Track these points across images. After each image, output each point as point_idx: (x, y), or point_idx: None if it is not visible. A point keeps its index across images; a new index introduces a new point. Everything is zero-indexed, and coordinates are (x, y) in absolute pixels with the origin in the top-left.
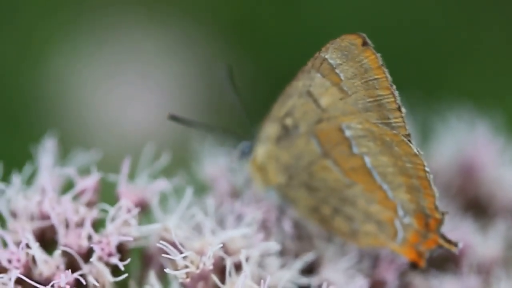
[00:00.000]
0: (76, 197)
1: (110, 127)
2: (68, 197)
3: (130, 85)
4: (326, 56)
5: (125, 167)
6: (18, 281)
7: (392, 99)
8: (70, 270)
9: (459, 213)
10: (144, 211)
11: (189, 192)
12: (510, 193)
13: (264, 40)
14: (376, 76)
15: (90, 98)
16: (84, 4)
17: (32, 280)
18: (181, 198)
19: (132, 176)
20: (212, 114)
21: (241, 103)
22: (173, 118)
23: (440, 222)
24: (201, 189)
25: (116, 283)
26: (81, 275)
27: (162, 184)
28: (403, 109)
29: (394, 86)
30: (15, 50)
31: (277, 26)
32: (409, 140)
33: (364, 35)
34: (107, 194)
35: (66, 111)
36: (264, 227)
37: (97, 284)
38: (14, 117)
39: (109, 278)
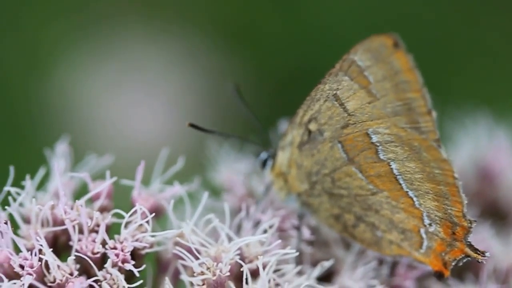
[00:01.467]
0: (90, 202)
1: (116, 136)
2: (82, 202)
3: (136, 94)
4: (355, 58)
5: (140, 172)
6: (31, 287)
7: (423, 103)
8: (84, 276)
9: (477, 219)
10: (159, 216)
11: (204, 197)
12: None
13: (266, 44)
14: (406, 79)
15: (96, 107)
16: (90, 14)
17: (45, 287)
18: (196, 203)
19: (145, 182)
20: (218, 121)
21: (254, 117)
22: (193, 126)
23: (468, 231)
24: (217, 195)
25: None
26: (95, 281)
27: (177, 189)
28: (434, 113)
29: (425, 89)
30: (20, 59)
31: (278, 30)
32: (438, 145)
33: (396, 35)
34: (120, 200)
35: (72, 119)
36: (281, 233)
37: None
38: (19, 125)
39: (123, 284)
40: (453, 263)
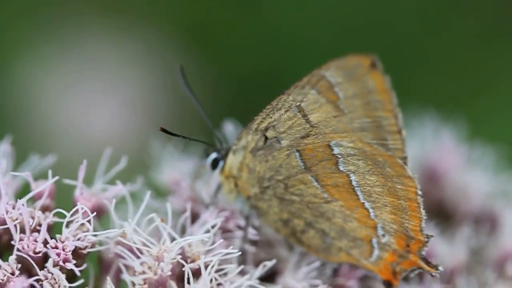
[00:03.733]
0: (31, 202)
1: (71, 134)
2: (23, 201)
3: (92, 93)
4: (326, 74)
5: (82, 172)
6: None
7: (394, 122)
8: (25, 275)
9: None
10: (101, 216)
11: (147, 196)
12: (474, 199)
13: (226, 44)
14: (379, 98)
15: (52, 105)
16: (47, 13)
17: None
18: (140, 204)
19: (89, 181)
20: (175, 120)
21: (198, 101)
22: (164, 131)
23: (423, 245)
24: (161, 195)
25: None
26: (37, 281)
27: (120, 189)
28: (404, 132)
29: (398, 109)
30: None
31: (239, 30)
32: (405, 163)
33: (374, 56)
34: (65, 199)
35: (27, 118)
36: (225, 234)
37: None
38: None
39: (65, 284)
40: (404, 274)
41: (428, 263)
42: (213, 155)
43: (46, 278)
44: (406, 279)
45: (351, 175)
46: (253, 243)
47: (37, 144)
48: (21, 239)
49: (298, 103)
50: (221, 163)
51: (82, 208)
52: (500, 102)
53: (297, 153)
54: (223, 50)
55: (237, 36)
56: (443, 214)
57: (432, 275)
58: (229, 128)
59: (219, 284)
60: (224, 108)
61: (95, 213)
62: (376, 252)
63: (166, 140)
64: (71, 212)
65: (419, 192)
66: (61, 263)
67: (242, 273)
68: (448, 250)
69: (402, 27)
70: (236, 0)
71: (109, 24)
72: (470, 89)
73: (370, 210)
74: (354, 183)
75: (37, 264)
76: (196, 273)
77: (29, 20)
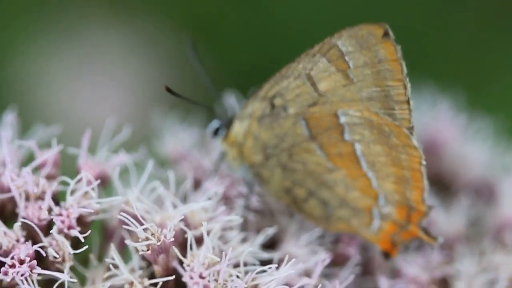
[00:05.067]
0: (36, 170)
1: (72, 123)
2: (28, 169)
3: (94, 83)
4: (338, 42)
5: (85, 140)
6: None
7: (402, 91)
8: (30, 242)
9: None
10: (105, 184)
11: (149, 165)
12: (472, 170)
13: (227, 37)
14: (390, 67)
15: (54, 95)
16: (49, 5)
17: None
18: (142, 172)
19: (93, 151)
20: (174, 108)
21: (205, 72)
22: (168, 90)
23: (424, 215)
24: (163, 164)
25: (76, 255)
26: (41, 248)
27: (123, 158)
28: (411, 102)
29: (408, 79)
30: None
31: (239, 23)
32: (411, 133)
33: (387, 26)
34: (68, 168)
35: (30, 108)
36: (226, 201)
37: (57, 256)
38: None
39: (69, 250)
40: (402, 244)
41: (427, 234)
42: (215, 123)
43: (51, 245)
44: (405, 247)
45: (356, 144)
46: (255, 211)
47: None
48: (25, 207)
49: (308, 71)
50: (222, 131)
51: (86, 176)
52: (499, 97)
53: (303, 122)
54: (224, 43)
55: (237, 29)
56: (442, 185)
57: (432, 246)
58: (231, 99)
59: (221, 251)
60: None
61: (98, 181)
62: (376, 222)
63: (168, 111)
64: (75, 180)
65: (423, 162)
66: (65, 230)
67: (244, 240)
68: (447, 219)
69: (401, 21)
70: None
71: (111, 15)
72: (469, 84)
73: (373, 180)
74: (358, 152)
75: (41, 231)
76: (199, 240)
77: (30, 12)
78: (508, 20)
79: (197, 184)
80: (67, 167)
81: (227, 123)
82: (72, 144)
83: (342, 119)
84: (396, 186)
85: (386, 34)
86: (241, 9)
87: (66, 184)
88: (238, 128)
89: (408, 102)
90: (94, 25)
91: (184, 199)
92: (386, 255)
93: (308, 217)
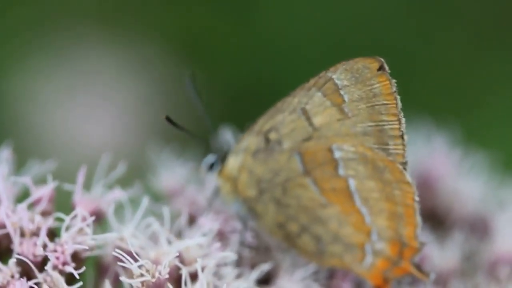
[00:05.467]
0: (31, 206)
1: (68, 143)
2: (23, 205)
3: (89, 103)
4: (333, 76)
5: (81, 176)
6: None
7: (397, 126)
8: (24, 278)
9: None
10: (100, 220)
11: (144, 201)
12: (467, 205)
13: (220, 56)
14: (385, 102)
15: (49, 115)
16: (44, 24)
17: None
18: (138, 208)
19: (88, 187)
20: (169, 128)
21: (205, 108)
22: (168, 120)
23: (416, 252)
24: (158, 200)
25: None
26: (36, 284)
27: (118, 194)
28: (406, 137)
29: (402, 114)
30: None
31: (232, 43)
32: (404, 168)
33: (382, 60)
34: (63, 204)
35: (25, 128)
36: (221, 237)
37: None
38: None
39: (63, 286)
40: (394, 280)
41: (420, 270)
42: (210, 157)
43: (45, 281)
44: (398, 282)
45: (350, 179)
46: (249, 246)
47: (35, 153)
48: (20, 243)
49: (303, 105)
50: (217, 166)
51: (81, 213)
52: (494, 113)
53: (298, 156)
54: (217, 61)
55: (231, 48)
56: (436, 220)
57: (424, 282)
58: (227, 133)
59: (215, 287)
60: (217, 119)
61: (94, 217)
62: (368, 258)
63: (163, 145)
64: (70, 216)
65: (416, 198)
66: (60, 266)
67: (238, 276)
68: (441, 254)
69: (396, 40)
70: (231, 12)
71: (105, 36)
72: (464, 100)
73: (366, 216)
74: (352, 187)
75: (36, 268)
76: (193, 276)
77: (26, 32)
78: (502, 38)
79: (192, 220)
80: (61, 200)
81: (222, 157)
82: (66, 173)
83: (337, 154)
84: (389, 222)
85: (381, 68)
86: (234, 27)
87: (61, 220)
88: (232, 163)
89: (402, 137)
90: (89, 45)
91: (179, 235)
92: None
93: (301, 253)
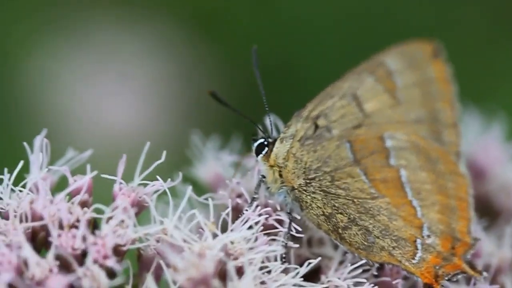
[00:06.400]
0: (69, 197)
1: (92, 126)
2: (61, 196)
3: (110, 84)
4: (386, 60)
5: (121, 166)
6: (10, 284)
7: (451, 114)
8: (63, 273)
9: None
10: (141, 212)
11: (188, 191)
12: None
13: (240, 36)
14: (439, 88)
15: (68, 98)
16: (60, 6)
17: (24, 283)
18: (180, 199)
19: (125, 175)
20: (193, 110)
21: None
22: (213, 95)
23: (469, 248)
24: (201, 191)
25: (112, 287)
26: (76, 278)
27: (159, 184)
28: (460, 126)
29: (457, 101)
30: None
31: (252, 22)
32: (458, 158)
33: (438, 43)
34: (100, 195)
35: (47, 111)
36: (266, 229)
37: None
38: None
39: (104, 281)
40: (446, 278)
41: (473, 267)
42: (261, 140)
43: (86, 276)
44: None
45: (402, 170)
46: (296, 240)
47: (58, 137)
48: (59, 235)
49: (354, 90)
50: (266, 149)
51: (122, 204)
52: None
53: (348, 144)
54: (237, 42)
55: (250, 28)
56: (487, 212)
57: (476, 280)
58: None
59: (262, 283)
60: (237, 100)
61: (135, 209)
62: (419, 254)
63: (204, 135)
64: (110, 208)
65: (471, 191)
66: (100, 260)
67: (285, 271)
68: (493, 248)
69: (413, 20)
70: None
71: (122, 15)
72: (479, 88)
73: (418, 209)
74: (403, 178)
75: (76, 261)
76: (239, 271)
77: (42, 13)
78: None
79: (236, 211)
80: (97, 191)
81: (272, 143)
82: (97, 160)
83: (388, 143)
84: (441, 216)
85: (436, 53)
86: (253, 8)
87: (100, 211)
88: (279, 149)
89: (455, 125)
90: (106, 25)
91: (223, 228)
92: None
93: (349, 246)
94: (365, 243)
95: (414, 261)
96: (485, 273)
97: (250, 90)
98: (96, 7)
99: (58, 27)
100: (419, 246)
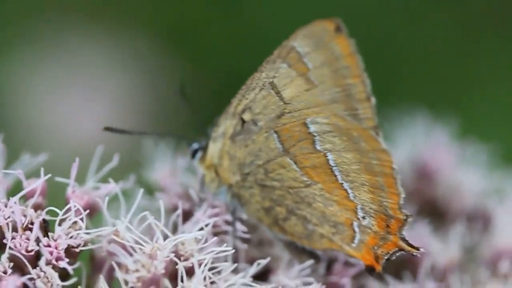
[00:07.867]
0: (24, 200)
1: (60, 135)
2: (15, 199)
3: (79, 95)
4: (295, 44)
5: (74, 169)
6: None
7: (362, 88)
8: (17, 274)
9: (415, 217)
10: (94, 214)
11: (139, 194)
12: (467, 197)
13: (208, 46)
14: (346, 64)
15: (40, 107)
16: (34, 17)
17: None
18: (132, 202)
19: (81, 180)
20: (160, 120)
21: (196, 115)
22: (109, 129)
23: (403, 224)
24: (153, 194)
25: (65, 287)
26: (29, 279)
27: (112, 187)
28: (373, 99)
29: (365, 74)
30: None
31: (220, 32)
32: (376, 133)
33: (339, 20)
34: (55, 198)
35: (15, 119)
36: (217, 231)
37: None
38: None
39: (58, 282)
40: (386, 257)
41: (409, 244)
42: (194, 145)
43: (39, 277)
44: (399, 276)
45: (328, 154)
46: (246, 240)
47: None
48: (13, 238)
49: (271, 79)
50: (199, 153)
51: (75, 206)
52: (487, 101)
53: (275, 135)
54: (205, 52)
55: (218, 39)
56: (435, 212)
57: (413, 255)
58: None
59: (212, 282)
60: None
61: (87, 211)
62: (357, 237)
63: (159, 138)
64: (63, 210)
65: (394, 166)
66: (53, 261)
67: (235, 271)
68: (441, 248)
69: (388, 30)
70: (219, 3)
71: (94, 27)
72: (456, 89)
73: (349, 191)
74: (331, 162)
75: (29, 263)
76: (190, 271)
77: (16, 24)
78: (493, 27)
79: (186, 213)
80: (52, 194)
81: (206, 145)
82: (58, 166)
83: (312, 128)
84: (372, 196)
85: (338, 29)
86: (221, 18)
87: (54, 214)
88: (212, 150)
89: (368, 99)
90: (78, 36)
91: (174, 229)
92: (370, 270)
93: (291, 237)
94: (306, 232)
95: (353, 245)
96: (422, 248)
97: (219, 98)
98: (65, 20)
99: (33, 36)
100: (356, 229)
